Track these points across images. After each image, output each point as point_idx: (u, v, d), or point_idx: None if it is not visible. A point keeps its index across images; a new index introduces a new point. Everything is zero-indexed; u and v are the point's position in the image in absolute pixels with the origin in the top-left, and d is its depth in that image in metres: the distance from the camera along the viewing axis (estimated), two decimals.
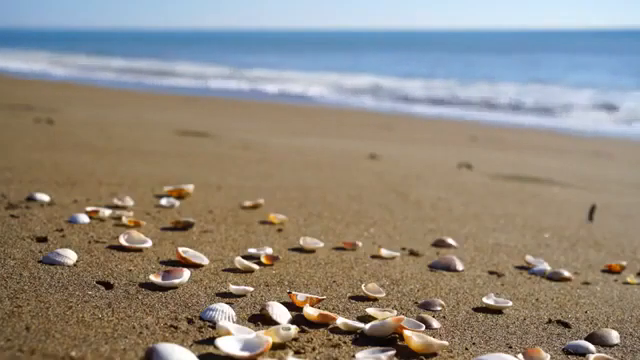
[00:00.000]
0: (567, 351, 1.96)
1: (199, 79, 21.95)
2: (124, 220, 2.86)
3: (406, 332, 1.85)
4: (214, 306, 1.94)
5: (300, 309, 2.04)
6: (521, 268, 2.83)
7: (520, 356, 1.84)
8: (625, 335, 2.15)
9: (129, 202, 3.23)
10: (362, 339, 1.88)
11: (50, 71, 23.44)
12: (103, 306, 1.92)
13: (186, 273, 2.20)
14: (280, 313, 1.96)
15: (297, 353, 1.74)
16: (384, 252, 2.78)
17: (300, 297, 2.08)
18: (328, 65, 29.87)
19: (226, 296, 2.13)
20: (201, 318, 1.90)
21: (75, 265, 2.27)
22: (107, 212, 2.94)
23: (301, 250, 2.76)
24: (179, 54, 39.81)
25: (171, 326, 1.83)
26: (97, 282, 2.12)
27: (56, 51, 38.85)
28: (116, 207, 3.16)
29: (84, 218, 2.84)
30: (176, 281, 2.15)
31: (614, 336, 2.09)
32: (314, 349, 1.78)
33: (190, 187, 3.55)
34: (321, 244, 2.82)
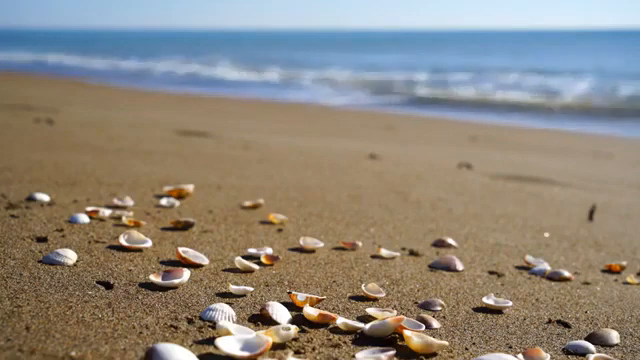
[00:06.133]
0: (567, 351, 1.96)
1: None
2: (124, 220, 2.86)
3: (406, 332, 1.85)
4: (214, 306, 1.94)
5: (300, 309, 2.04)
6: (521, 268, 2.83)
7: (520, 356, 1.84)
8: (625, 335, 2.15)
9: (129, 202, 3.23)
10: (362, 339, 1.88)
11: None
12: (103, 306, 1.92)
13: (186, 273, 2.20)
14: (280, 313, 1.96)
15: (297, 353, 1.74)
16: (384, 252, 2.78)
17: (300, 297, 2.08)
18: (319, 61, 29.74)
19: (226, 296, 2.13)
20: (201, 318, 1.90)
21: (75, 265, 2.27)
22: (107, 212, 2.94)
23: (301, 250, 2.76)
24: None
25: (171, 326, 1.83)
26: (97, 282, 2.13)
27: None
28: (116, 207, 3.16)
29: (84, 218, 2.84)
30: (176, 281, 2.15)
31: (614, 336, 2.09)
32: (314, 349, 1.78)
33: (190, 187, 3.55)
34: (321, 244, 2.82)
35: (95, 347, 1.63)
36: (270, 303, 2.00)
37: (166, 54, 38.25)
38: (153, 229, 2.85)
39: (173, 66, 28.03)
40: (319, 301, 2.10)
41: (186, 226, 2.91)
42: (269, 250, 2.65)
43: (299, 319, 1.97)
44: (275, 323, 1.92)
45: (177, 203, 3.32)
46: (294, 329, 1.79)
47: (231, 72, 25.75)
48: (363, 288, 2.27)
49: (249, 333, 1.76)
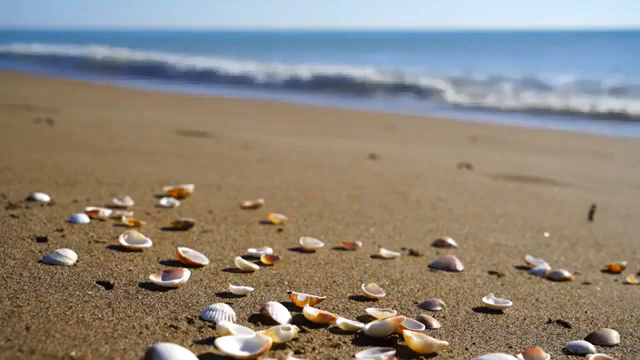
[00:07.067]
0: (567, 351, 1.96)
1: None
2: (124, 220, 2.86)
3: (406, 332, 1.85)
4: (214, 306, 1.94)
5: (300, 309, 2.05)
6: (521, 268, 2.83)
7: (520, 356, 1.84)
8: (625, 335, 2.15)
9: (129, 202, 3.23)
10: (362, 339, 1.88)
11: None
12: (103, 306, 1.92)
13: (186, 273, 2.20)
14: (280, 313, 1.96)
15: (297, 353, 1.74)
16: (384, 252, 2.78)
17: (300, 297, 2.08)
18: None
19: (226, 296, 2.13)
20: (201, 318, 1.90)
21: (75, 265, 2.27)
22: (107, 212, 2.94)
23: (301, 250, 2.76)
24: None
25: (171, 326, 1.83)
26: (97, 282, 2.13)
27: None
28: (116, 207, 3.16)
29: (84, 218, 2.84)
30: (176, 281, 2.15)
31: (614, 336, 2.09)
32: (314, 349, 1.78)
33: (190, 187, 3.55)
34: (321, 244, 2.82)
35: (95, 347, 1.63)
36: (270, 303, 2.00)
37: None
38: (153, 229, 2.85)
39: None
40: (319, 301, 2.10)
41: (186, 226, 2.91)
42: (269, 250, 2.65)
43: (299, 319, 1.97)
44: (275, 323, 1.92)
45: (177, 203, 3.32)
46: (294, 329, 1.79)
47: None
48: (363, 288, 2.27)
49: (249, 333, 1.76)
